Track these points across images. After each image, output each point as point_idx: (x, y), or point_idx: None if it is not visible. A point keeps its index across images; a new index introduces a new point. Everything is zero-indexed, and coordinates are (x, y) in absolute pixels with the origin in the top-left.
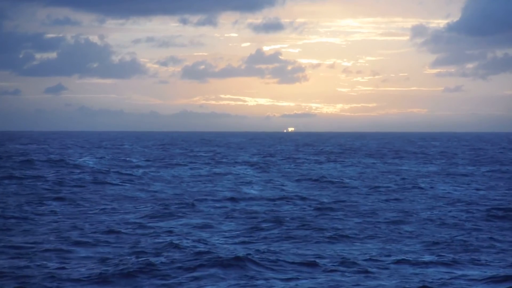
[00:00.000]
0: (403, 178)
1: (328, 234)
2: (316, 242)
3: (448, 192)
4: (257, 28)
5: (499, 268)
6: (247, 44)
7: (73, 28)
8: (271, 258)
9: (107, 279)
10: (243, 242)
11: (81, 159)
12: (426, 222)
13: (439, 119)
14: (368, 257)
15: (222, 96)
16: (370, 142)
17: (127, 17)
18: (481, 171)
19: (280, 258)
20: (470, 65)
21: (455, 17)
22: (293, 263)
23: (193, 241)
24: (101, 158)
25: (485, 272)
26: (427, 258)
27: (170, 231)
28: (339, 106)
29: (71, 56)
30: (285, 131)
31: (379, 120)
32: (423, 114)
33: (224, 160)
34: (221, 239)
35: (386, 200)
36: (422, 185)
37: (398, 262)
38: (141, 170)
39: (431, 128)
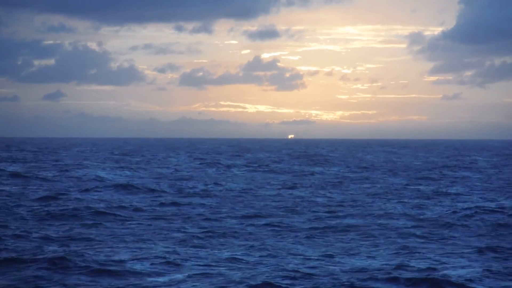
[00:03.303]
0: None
1: None
2: None
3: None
4: (253, 36)
5: None
6: (247, 51)
7: (68, 35)
8: None
9: None
10: None
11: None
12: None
13: (438, 126)
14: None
15: (222, 103)
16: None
17: (121, 24)
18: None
19: None
20: (468, 73)
21: (450, 24)
22: None
23: None
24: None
25: None
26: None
27: None
28: (339, 113)
29: (69, 62)
30: (287, 137)
31: (379, 127)
32: (423, 122)
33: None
34: None
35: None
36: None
37: None
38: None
39: (431, 136)
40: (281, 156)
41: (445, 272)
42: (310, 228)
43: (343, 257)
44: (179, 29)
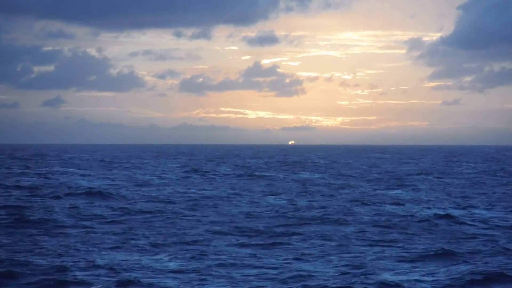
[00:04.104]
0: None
1: None
2: None
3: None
4: (252, 41)
5: None
6: (248, 57)
7: (67, 41)
8: None
9: None
10: None
11: None
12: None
13: (439, 132)
14: None
15: (223, 109)
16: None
17: (120, 30)
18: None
19: None
20: (467, 78)
21: (448, 30)
22: None
23: None
24: None
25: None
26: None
27: None
28: (340, 119)
29: (69, 69)
30: (287, 143)
31: (379, 133)
32: (424, 127)
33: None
34: None
35: None
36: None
37: None
38: None
39: (432, 141)
40: (270, 162)
41: (384, 277)
42: (274, 235)
43: (297, 264)
44: (178, 35)
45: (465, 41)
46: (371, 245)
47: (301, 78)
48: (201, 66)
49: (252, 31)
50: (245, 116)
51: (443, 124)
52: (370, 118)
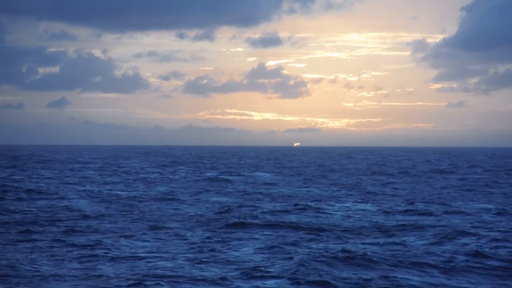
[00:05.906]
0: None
1: None
2: None
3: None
4: (255, 43)
5: None
6: (253, 58)
7: (71, 42)
8: None
9: None
10: None
11: None
12: None
13: (444, 134)
14: None
15: (228, 110)
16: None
17: (123, 31)
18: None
19: None
20: (472, 80)
21: (451, 32)
22: None
23: None
24: None
25: None
26: None
27: None
28: (345, 121)
29: (74, 70)
30: (293, 145)
31: (384, 135)
32: (429, 129)
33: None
34: None
35: None
36: None
37: None
38: None
39: (437, 143)
40: (246, 164)
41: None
42: (191, 236)
43: (188, 266)
44: (181, 36)
45: (468, 42)
46: (272, 247)
47: (305, 80)
48: (205, 68)
49: (255, 33)
50: (251, 118)
51: (448, 126)
52: (375, 120)
